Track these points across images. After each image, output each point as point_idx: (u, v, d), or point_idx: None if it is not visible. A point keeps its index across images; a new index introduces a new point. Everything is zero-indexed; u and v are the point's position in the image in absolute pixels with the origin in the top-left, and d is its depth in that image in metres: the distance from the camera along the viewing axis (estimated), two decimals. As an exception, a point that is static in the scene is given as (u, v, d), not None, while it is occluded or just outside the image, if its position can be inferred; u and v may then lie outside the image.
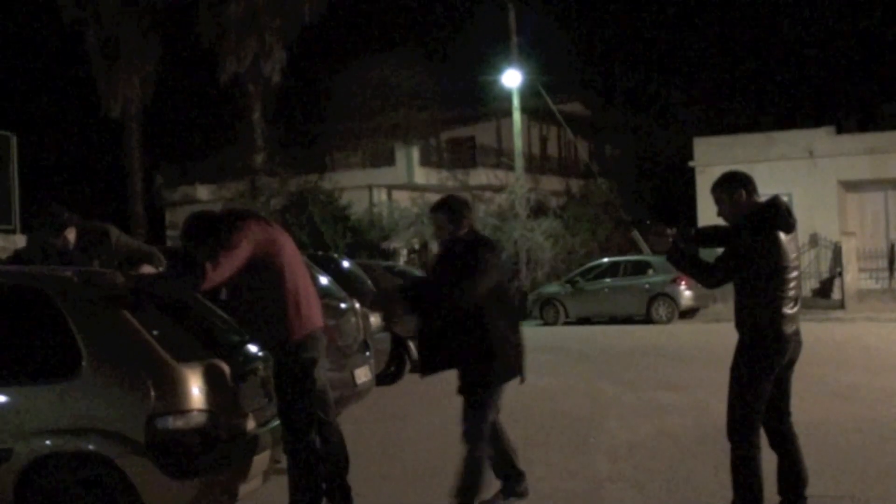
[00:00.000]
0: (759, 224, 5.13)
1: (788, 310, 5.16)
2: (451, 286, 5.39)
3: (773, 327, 5.13)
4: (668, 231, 5.37)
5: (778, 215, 5.15)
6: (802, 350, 5.38)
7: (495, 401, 5.66)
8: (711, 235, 5.61)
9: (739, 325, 5.27)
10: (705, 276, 5.32)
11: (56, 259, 6.22)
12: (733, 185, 5.30)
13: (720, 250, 5.42)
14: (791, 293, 5.16)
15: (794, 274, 5.20)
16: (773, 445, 5.40)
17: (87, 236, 6.35)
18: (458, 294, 5.36)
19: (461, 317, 5.39)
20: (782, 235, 5.12)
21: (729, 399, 5.26)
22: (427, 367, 5.62)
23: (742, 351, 5.23)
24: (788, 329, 5.17)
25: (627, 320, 23.51)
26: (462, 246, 5.54)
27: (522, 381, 5.83)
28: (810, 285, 26.71)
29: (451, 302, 5.37)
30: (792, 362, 5.33)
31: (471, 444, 5.49)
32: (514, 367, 5.65)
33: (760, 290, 5.13)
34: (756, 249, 5.09)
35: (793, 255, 5.19)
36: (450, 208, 5.65)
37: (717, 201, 5.35)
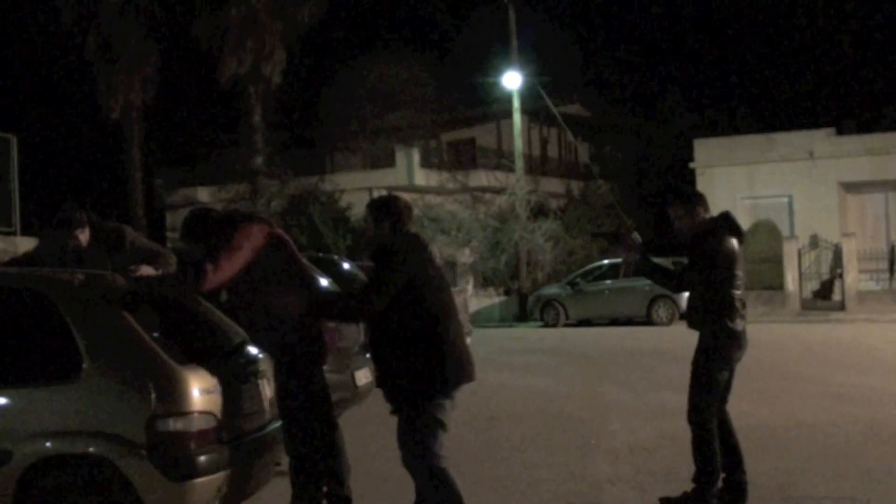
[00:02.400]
0: (719, 234, 5.85)
1: (740, 310, 5.86)
2: (354, 299, 5.19)
3: (728, 326, 5.80)
4: (636, 239, 6.08)
5: (733, 226, 5.93)
6: (803, 351, 5.52)
7: (442, 416, 4.96)
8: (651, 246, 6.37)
9: (696, 324, 5.95)
10: (675, 283, 6.17)
11: (71, 259, 6.20)
12: (694, 204, 6.01)
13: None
14: (740, 294, 5.86)
15: (742, 280, 5.90)
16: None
17: (101, 237, 6.33)
18: (359, 308, 5.09)
19: (385, 327, 5.00)
20: (735, 243, 5.86)
21: (690, 389, 5.91)
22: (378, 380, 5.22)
23: (702, 348, 5.91)
24: (739, 327, 5.86)
25: (628, 322, 23.52)
26: (377, 251, 5.14)
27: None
28: (811, 287, 26.71)
29: (352, 315, 5.24)
30: (739, 358, 5.99)
31: (422, 469, 4.94)
32: (456, 374, 5.02)
33: (719, 292, 5.80)
34: (717, 256, 5.78)
35: (740, 263, 5.89)
36: (374, 208, 5.29)
37: (676, 217, 6.03)
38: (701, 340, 5.91)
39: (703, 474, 5.81)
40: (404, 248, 5.07)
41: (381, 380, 5.07)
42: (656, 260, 6.22)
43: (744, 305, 5.90)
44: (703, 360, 5.88)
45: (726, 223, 5.94)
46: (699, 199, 6.05)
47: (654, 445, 8.01)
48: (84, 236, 6.28)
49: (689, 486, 5.92)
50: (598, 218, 30.90)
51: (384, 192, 31.28)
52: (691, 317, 6.00)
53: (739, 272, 5.85)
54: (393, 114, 33.60)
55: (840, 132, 28.71)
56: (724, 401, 6.05)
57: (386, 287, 4.95)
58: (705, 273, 5.80)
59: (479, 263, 29.62)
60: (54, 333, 4.87)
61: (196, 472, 4.72)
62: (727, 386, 6.03)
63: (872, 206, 27.96)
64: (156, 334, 4.95)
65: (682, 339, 6.37)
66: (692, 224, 5.96)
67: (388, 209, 5.24)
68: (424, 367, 4.92)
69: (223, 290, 5.56)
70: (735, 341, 5.85)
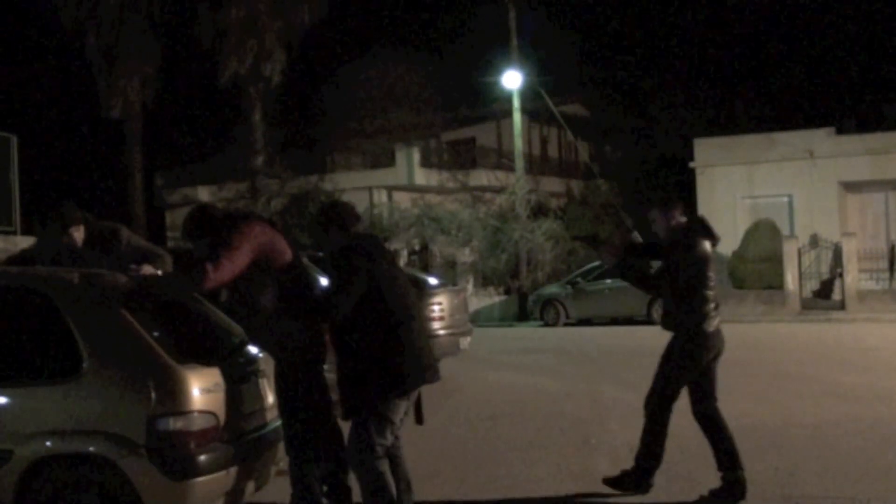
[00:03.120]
0: (693, 237, 6.10)
1: (712, 311, 6.11)
2: (320, 303, 5.18)
3: (701, 326, 6.05)
4: (636, 238, 6.06)
5: (707, 230, 6.19)
6: (803, 351, 5.55)
7: (392, 416, 5.09)
8: (644, 249, 6.69)
9: (669, 325, 6.20)
10: (652, 287, 6.48)
11: (66, 257, 6.20)
12: (670, 208, 6.29)
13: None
14: (713, 294, 6.12)
15: (714, 281, 6.19)
16: (705, 429, 6.29)
17: (96, 235, 6.34)
18: (325, 311, 5.08)
19: (344, 328, 5.05)
20: (708, 246, 6.12)
21: (655, 381, 6.25)
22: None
23: (675, 347, 6.17)
24: (712, 327, 6.10)
25: (628, 321, 23.51)
26: (336, 254, 5.17)
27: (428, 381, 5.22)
28: (811, 286, 26.70)
29: (323, 317, 5.14)
30: (718, 355, 6.23)
31: (362, 466, 5.06)
32: (415, 374, 5.09)
33: (692, 294, 6.04)
34: (692, 259, 6.03)
35: (713, 265, 6.18)
36: (318, 220, 5.36)
37: (654, 221, 6.33)
38: (674, 341, 6.19)
39: (647, 454, 6.24)
40: (364, 249, 5.14)
41: (339, 382, 5.11)
42: (637, 262, 6.49)
43: (716, 307, 6.16)
44: (674, 359, 6.18)
45: (700, 227, 6.22)
46: (675, 204, 6.35)
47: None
48: (79, 234, 6.28)
49: (685, 483, 5.99)
50: (597, 217, 30.90)
51: (384, 192, 31.46)
52: (665, 318, 6.26)
53: (712, 274, 6.13)
54: (393, 113, 33.58)
55: (840, 132, 28.69)
56: (714, 398, 6.27)
57: (350, 289, 5.01)
58: (680, 275, 6.04)
59: (479, 263, 29.62)
60: (54, 333, 4.88)
61: (196, 471, 4.72)
62: (713, 383, 6.26)
63: (872, 205, 27.94)
64: (156, 334, 4.95)
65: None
66: (668, 227, 6.25)
67: (329, 215, 5.34)
68: (383, 368, 4.99)
69: (223, 289, 5.56)
70: (706, 343, 6.10)
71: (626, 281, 6.44)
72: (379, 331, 5.02)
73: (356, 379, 5.03)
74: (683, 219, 6.28)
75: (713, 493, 6.16)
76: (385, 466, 5.07)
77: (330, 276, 5.19)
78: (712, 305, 6.10)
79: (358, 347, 5.02)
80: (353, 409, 5.07)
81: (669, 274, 6.09)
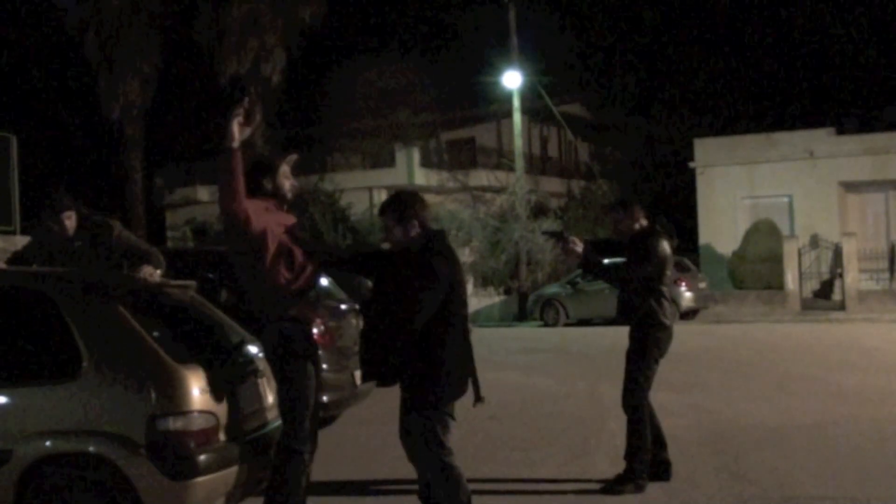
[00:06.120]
0: (654, 237, 6.54)
1: (668, 305, 6.56)
2: (398, 305, 4.83)
3: (661, 320, 6.46)
4: (578, 242, 6.48)
5: (665, 230, 6.67)
6: (803, 351, 5.60)
7: (447, 419, 4.99)
8: (605, 247, 7.11)
9: (626, 319, 6.57)
10: (613, 279, 6.82)
11: (58, 250, 6.19)
12: (633, 210, 6.71)
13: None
14: (667, 291, 6.56)
15: (671, 279, 6.63)
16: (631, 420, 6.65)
17: (89, 227, 6.34)
18: (404, 318, 4.79)
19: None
20: (667, 246, 6.56)
21: (626, 378, 6.54)
22: (367, 373, 5.14)
23: (637, 339, 6.52)
24: (669, 321, 6.53)
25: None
26: (413, 255, 4.92)
27: (478, 399, 5.14)
28: (811, 286, 26.71)
29: (397, 322, 4.83)
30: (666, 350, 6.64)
31: (432, 468, 4.97)
32: (461, 384, 5.04)
33: (652, 289, 6.45)
34: (653, 257, 6.44)
35: (670, 263, 6.62)
36: (393, 208, 5.04)
37: (616, 220, 6.76)
38: (636, 334, 6.55)
39: (635, 454, 6.47)
40: (448, 252, 4.96)
41: (407, 378, 4.93)
42: (608, 260, 7.00)
43: (671, 302, 6.65)
44: (640, 351, 6.52)
45: (661, 228, 6.70)
46: (638, 207, 6.77)
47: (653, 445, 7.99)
48: (70, 222, 6.27)
49: (684, 483, 6.01)
50: (597, 218, 30.92)
51: (384, 192, 31.43)
52: (622, 311, 6.66)
53: (669, 272, 6.59)
54: (393, 113, 33.58)
55: (840, 132, 28.70)
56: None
57: (434, 296, 4.79)
58: (641, 271, 6.47)
59: (479, 263, 29.62)
60: (55, 333, 4.88)
61: (196, 471, 4.72)
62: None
63: (872, 205, 27.95)
64: (156, 334, 4.95)
65: (681, 340, 6.45)
66: (631, 228, 6.68)
67: (408, 206, 5.01)
68: (452, 369, 4.91)
69: (223, 289, 5.54)
70: (667, 333, 6.54)
71: (590, 274, 6.88)
72: (453, 334, 4.89)
73: (431, 377, 4.87)
74: (646, 221, 6.72)
75: (615, 479, 6.50)
76: (456, 462, 5.00)
77: (402, 276, 4.88)
78: (668, 300, 6.57)
79: (434, 347, 4.85)
80: (423, 405, 4.92)
81: (631, 269, 6.54)
